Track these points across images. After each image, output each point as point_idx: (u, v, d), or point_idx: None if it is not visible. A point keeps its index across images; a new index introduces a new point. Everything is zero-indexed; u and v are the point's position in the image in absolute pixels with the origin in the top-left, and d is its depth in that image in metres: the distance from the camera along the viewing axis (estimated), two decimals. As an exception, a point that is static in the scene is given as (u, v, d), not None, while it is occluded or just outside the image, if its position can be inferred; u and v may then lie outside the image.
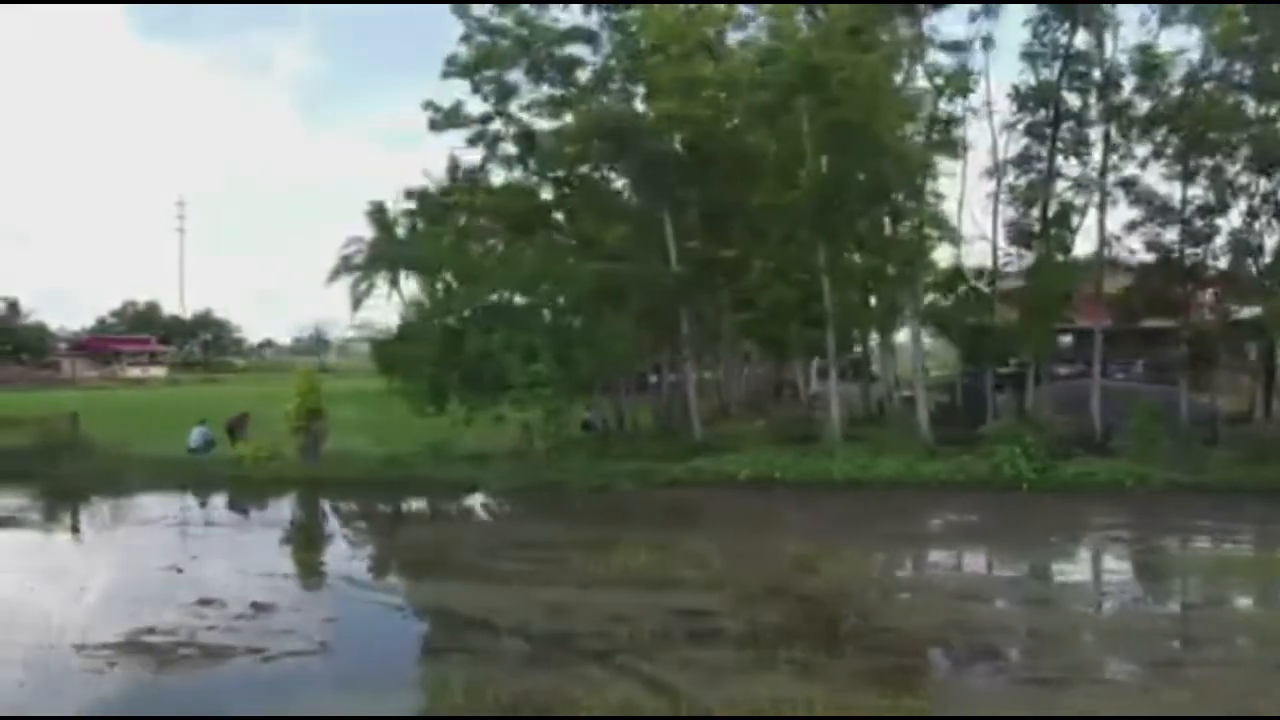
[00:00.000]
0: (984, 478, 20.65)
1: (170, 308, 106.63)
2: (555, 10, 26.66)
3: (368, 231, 61.81)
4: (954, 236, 24.62)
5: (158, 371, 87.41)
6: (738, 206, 26.57)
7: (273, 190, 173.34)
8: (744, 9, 28.19)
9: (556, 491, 21.20)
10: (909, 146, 23.33)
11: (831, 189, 23.74)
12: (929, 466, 21.17)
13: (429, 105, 27.26)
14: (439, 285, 26.18)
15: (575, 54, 25.21)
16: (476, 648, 10.16)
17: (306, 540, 17.73)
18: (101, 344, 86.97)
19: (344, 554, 16.04)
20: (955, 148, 24.28)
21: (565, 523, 18.25)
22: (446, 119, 27.90)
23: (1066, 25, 25.05)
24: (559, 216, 28.01)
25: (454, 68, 27.11)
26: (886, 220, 25.65)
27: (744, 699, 8.51)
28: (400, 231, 67.82)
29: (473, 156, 28.54)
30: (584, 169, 27.09)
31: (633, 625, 10.79)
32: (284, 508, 21.40)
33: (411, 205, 63.70)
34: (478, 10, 25.45)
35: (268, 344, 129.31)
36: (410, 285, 66.78)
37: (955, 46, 25.47)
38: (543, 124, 27.68)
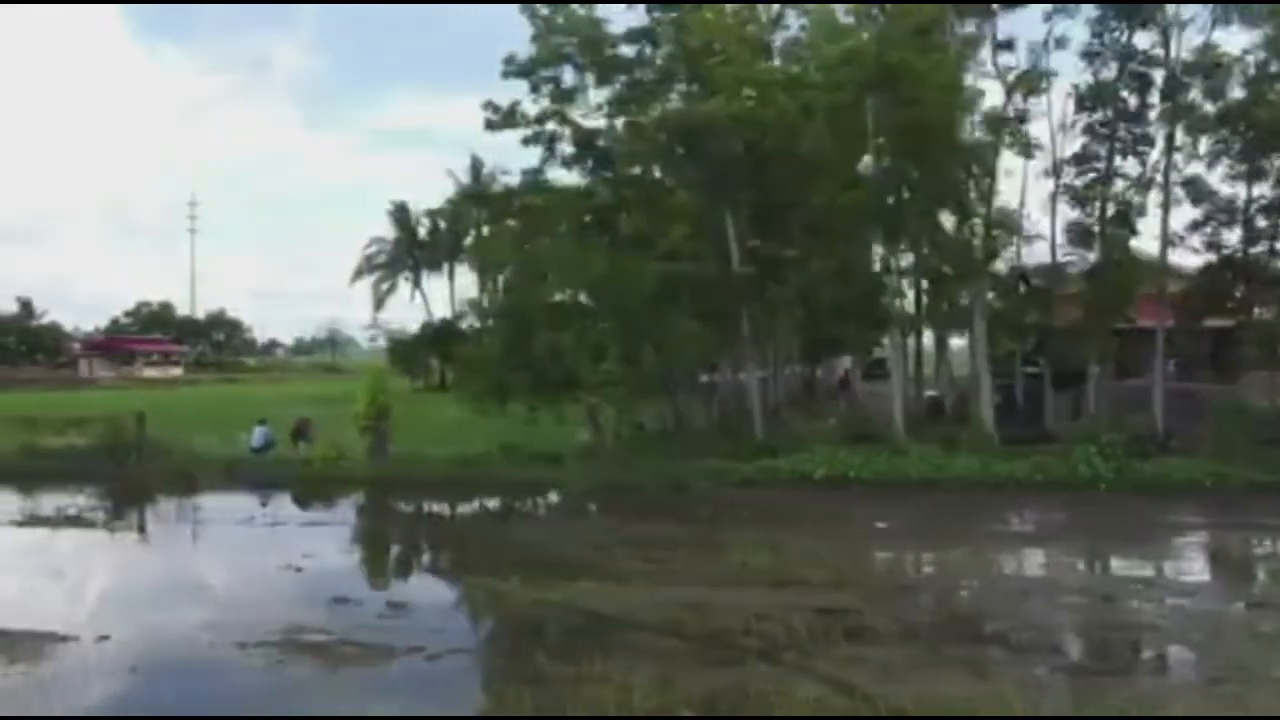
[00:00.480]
0: (1061, 477, 20.69)
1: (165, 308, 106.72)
2: (607, 10, 26.76)
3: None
4: (1024, 236, 24.69)
5: (175, 371, 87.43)
6: (793, 206, 26.73)
7: (271, 190, 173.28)
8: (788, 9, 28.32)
9: (633, 490, 21.23)
10: (980, 146, 23.37)
11: (896, 189, 23.83)
12: (1005, 466, 21.20)
13: (488, 105, 27.27)
14: (501, 285, 26.11)
15: (637, 53, 25.16)
16: (637, 646, 10.19)
17: (409, 539, 17.77)
18: (120, 344, 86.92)
19: (454, 553, 16.03)
20: (1029, 147, 24.34)
21: (660, 521, 18.22)
22: (504, 119, 27.96)
23: (1125, 25, 25.17)
24: (612, 216, 27.89)
25: (512, 67, 27.15)
26: (949, 219, 25.69)
27: (932, 697, 8.54)
28: (422, 232, 68.29)
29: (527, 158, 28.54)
30: (643, 168, 27.05)
31: (781, 623, 10.84)
32: (370, 507, 21.40)
33: (435, 205, 64.46)
34: (539, 10, 25.39)
35: (273, 344, 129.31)
36: (431, 285, 67.45)
37: (1008, 45, 25.67)
38: (601, 124, 27.86)
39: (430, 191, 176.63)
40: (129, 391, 65.24)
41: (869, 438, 24.80)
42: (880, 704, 8.41)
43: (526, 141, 28.53)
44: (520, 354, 24.57)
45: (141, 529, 20.05)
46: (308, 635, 10.62)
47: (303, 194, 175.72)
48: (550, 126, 27.92)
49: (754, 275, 25.92)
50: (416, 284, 67.18)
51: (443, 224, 67.70)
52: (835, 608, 11.70)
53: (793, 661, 9.59)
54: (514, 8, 26.39)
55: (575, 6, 25.20)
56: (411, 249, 66.84)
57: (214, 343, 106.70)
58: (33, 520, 19.41)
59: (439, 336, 66.32)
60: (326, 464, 23.60)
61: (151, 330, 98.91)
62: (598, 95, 26.71)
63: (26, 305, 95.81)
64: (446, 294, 67.38)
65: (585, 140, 27.66)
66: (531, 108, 27.48)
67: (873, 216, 24.43)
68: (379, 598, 12.34)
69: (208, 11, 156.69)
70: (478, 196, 30.99)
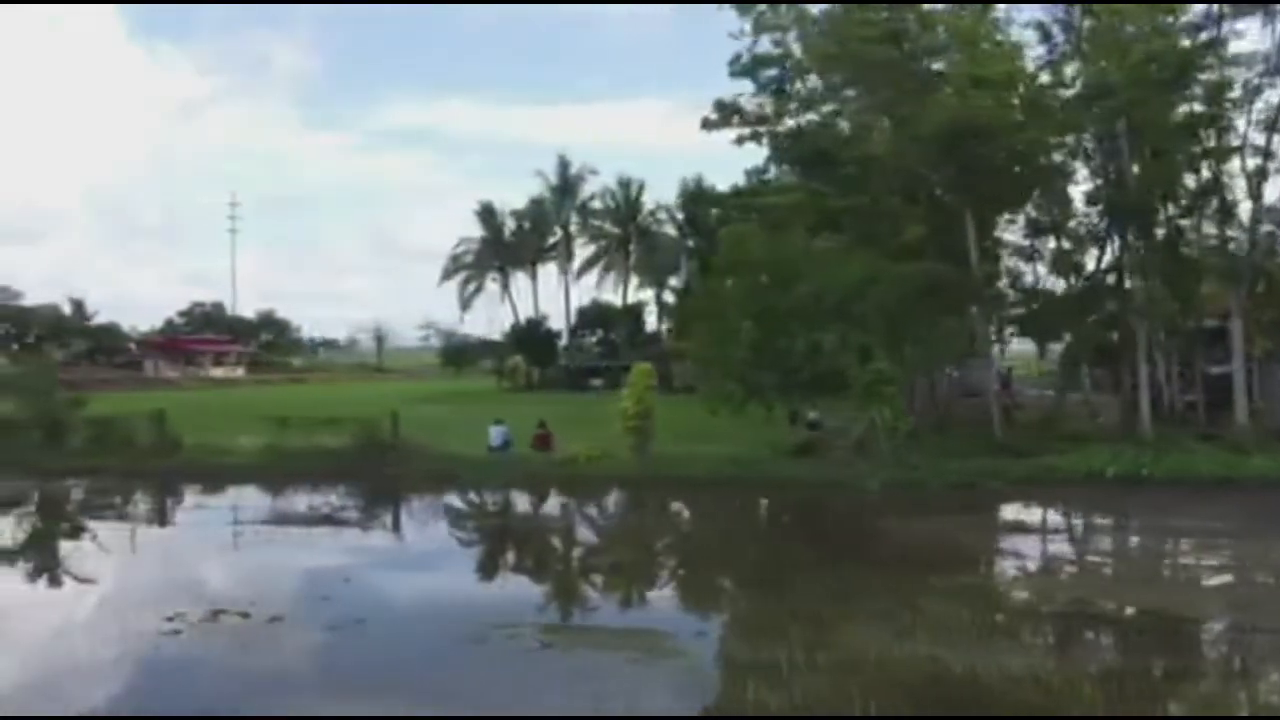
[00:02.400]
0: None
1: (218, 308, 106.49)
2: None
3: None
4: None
5: (238, 371, 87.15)
6: (1020, 205, 26.86)
7: (268, 190, 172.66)
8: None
9: (920, 488, 21.25)
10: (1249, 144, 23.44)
11: (1157, 186, 23.90)
12: (1302, 463, 21.14)
13: (719, 104, 27.37)
14: (740, 284, 25.88)
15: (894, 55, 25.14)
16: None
17: (809, 536, 17.57)
18: (186, 344, 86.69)
19: (895, 552, 15.68)
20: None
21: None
22: (723, 118, 28.05)
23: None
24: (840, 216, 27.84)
25: (737, 67, 27.24)
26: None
27: None
28: (507, 232, 68.04)
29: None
30: (872, 169, 26.96)
31: None
32: (686, 505, 21.13)
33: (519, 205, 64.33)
34: (806, 10, 25.49)
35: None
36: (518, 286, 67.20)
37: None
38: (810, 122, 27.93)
39: (427, 193, 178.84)
40: (216, 391, 65.08)
41: (1085, 438, 24.90)
42: None
43: (741, 140, 28.70)
44: (769, 353, 24.53)
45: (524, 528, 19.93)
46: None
47: (301, 193, 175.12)
48: (769, 126, 28.19)
49: (994, 274, 26.02)
50: (505, 285, 67.02)
51: (526, 224, 67.73)
52: None
53: None
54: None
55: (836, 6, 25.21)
56: (498, 249, 66.59)
57: (264, 343, 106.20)
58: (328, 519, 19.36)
59: (527, 337, 66.42)
60: (590, 462, 23.51)
61: (204, 330, 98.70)
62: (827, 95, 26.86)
63: (79, 305, 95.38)
64: (530, 294, 67.40)
65: (808, 140, 27.76)
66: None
67: (1123, 216, 24.46)
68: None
69: (206, 12, 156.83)
70: (706, 196, 30.62)
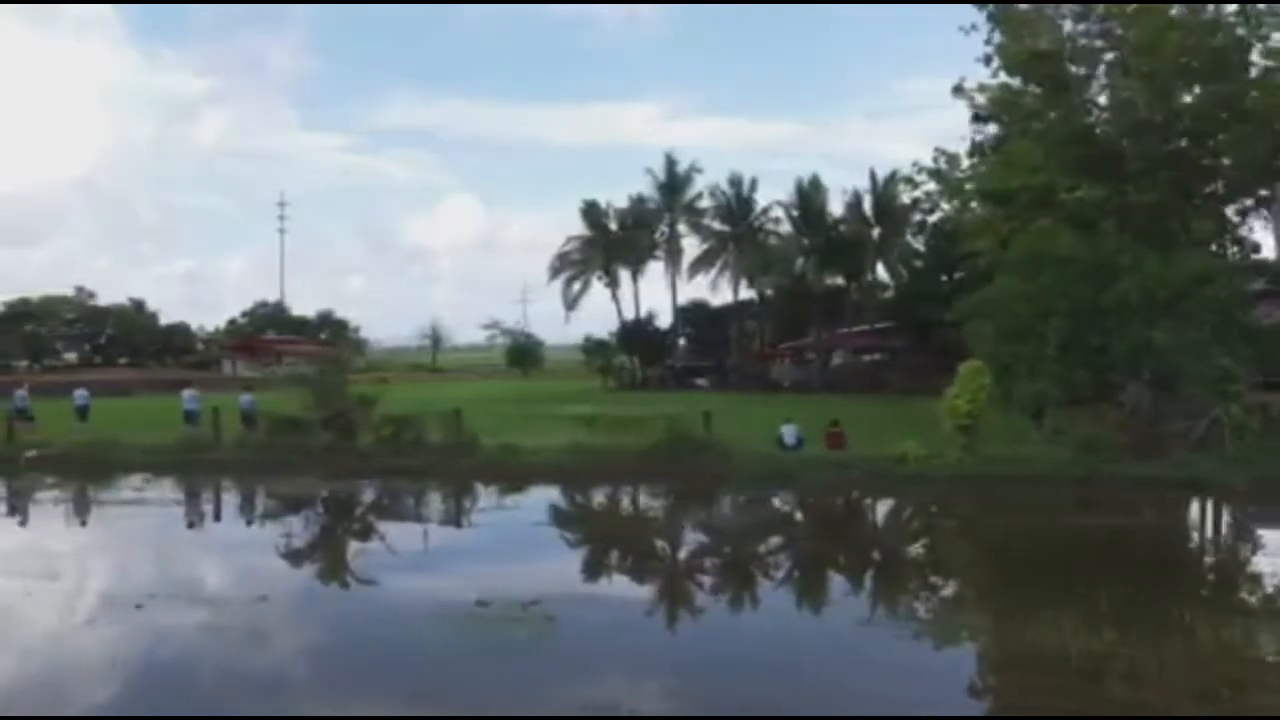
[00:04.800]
0: None
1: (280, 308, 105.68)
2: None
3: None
4: None
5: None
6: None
7: (267, 190, 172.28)
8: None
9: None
10: None
11: None
12: None
13: (994, 100, 26.99)
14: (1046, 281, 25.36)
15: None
16: None
17: None
18: (265, 343, 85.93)
19: None
20: None
21: None
22: (995, 110, 27.66)
23: None
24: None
25: (1003, 59, 26.88)
26: None
27: None
28: (613, 227, 67.38)
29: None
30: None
31: None
32: (1080, 507, 20.53)
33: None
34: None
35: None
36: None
37: None
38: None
39: (425, 193, 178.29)
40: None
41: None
42: None
43: (1008, 137, 28.29)
44: (1080, 351, 24.12)
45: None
46: None
47: (299, 193, 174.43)
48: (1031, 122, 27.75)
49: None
50: (612, 283, 66.24)
51: (629, 222, 66.98)
52: None
53: None
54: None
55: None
56: (606, 247, 65.88)
57: (324, 342, 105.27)
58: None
59: (635, 336, 65.91)
60: (919, 462, 23.05)
61: (263, 330, 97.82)
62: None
63: (139, 305, 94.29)
64: (631, 294, 66.67)
65: (1087, 135, 27.32)
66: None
67: None
68: None
69: (203, 12, 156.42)
70: (996, 194, 29.96)
